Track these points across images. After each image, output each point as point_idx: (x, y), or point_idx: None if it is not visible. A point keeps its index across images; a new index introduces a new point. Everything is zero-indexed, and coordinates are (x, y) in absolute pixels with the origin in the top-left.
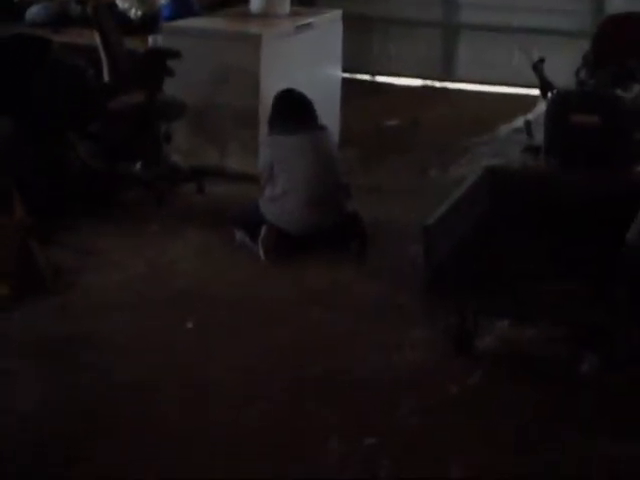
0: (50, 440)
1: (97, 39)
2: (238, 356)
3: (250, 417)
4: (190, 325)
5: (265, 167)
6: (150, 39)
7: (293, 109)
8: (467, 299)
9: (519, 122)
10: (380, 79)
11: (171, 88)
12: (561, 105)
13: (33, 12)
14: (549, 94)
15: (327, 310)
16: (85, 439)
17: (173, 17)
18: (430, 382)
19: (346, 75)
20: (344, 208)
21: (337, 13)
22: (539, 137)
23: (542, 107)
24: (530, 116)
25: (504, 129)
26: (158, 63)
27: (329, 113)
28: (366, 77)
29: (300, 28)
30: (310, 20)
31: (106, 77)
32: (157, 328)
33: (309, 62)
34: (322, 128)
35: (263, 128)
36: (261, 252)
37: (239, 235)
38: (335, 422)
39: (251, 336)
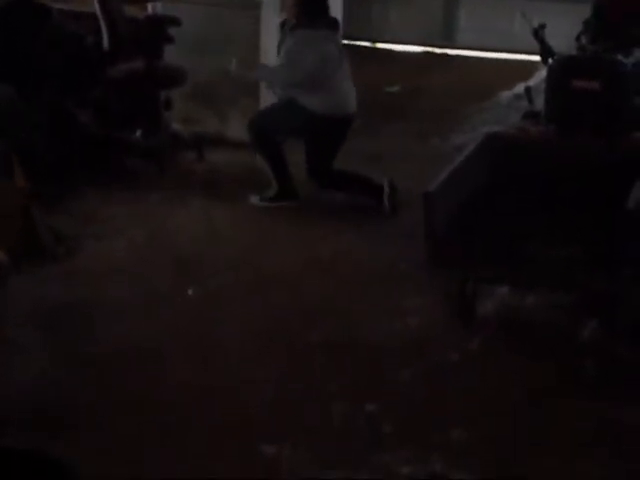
0: (50, 408)
1: (97, 6)
2: (239, 322)
3: (252, 382)
4: (190, 292)
5: (317, 65)
6: (150, 6)
7: (322, 6)
8: (468, 266)
9: (520, 88)
10: (380, 46)
11: (171, 55)
12: (562, 71)
13: None
14: (550, 60)
15: (329, 277)
16: (86, 406)
17: None
18: (431, 348)
19: (346, 42)
20: None
21: None
22: (540, 103)
23: (543, 73)
24: (531, 82)
25: (505, 95)
26: (158, 30)
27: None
28: (366, 44)
29: None
30: None
31: (106, 44)
32: (159, 295)
33: None
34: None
35: (264, 95)
36: None
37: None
38: (338, 387)
39: (252, 302)
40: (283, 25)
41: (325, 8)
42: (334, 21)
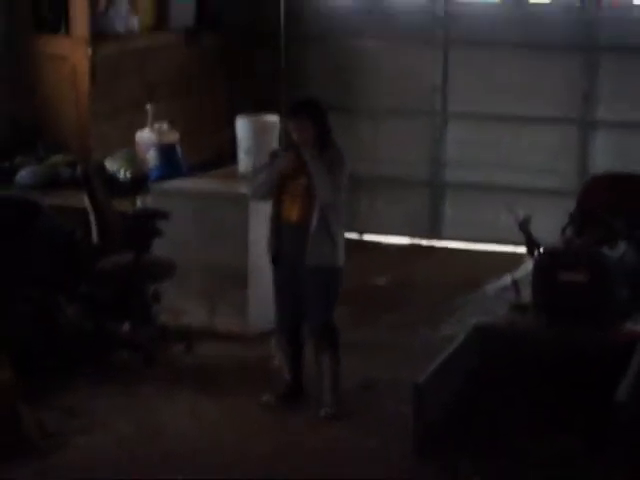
0: None
1: (86, 201)
2: None
3: None
4: None
5: None
6: (139, 200)
7: None
8: (459, 458)
9: (506, 280)
10: (368, 237)
11: (160, 248)
12: (548, 263)
13: (23, 175)
14: (536, 252)
15: (320, 468)
16: None
17: (162, 178)
18: None
19: None
20: None
21: None
22: (527, 294)
23: (529, 265)
24: (517, 274)
25: (492, 287)
26: (147, 224)
27: None
28: (354, 235)
29: None
30: None
31: (95, 238)
32: None
33: None
34: None
35: (252, 286)
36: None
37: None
38: None
39: None
40: (274, 156)
41: None
42: None
